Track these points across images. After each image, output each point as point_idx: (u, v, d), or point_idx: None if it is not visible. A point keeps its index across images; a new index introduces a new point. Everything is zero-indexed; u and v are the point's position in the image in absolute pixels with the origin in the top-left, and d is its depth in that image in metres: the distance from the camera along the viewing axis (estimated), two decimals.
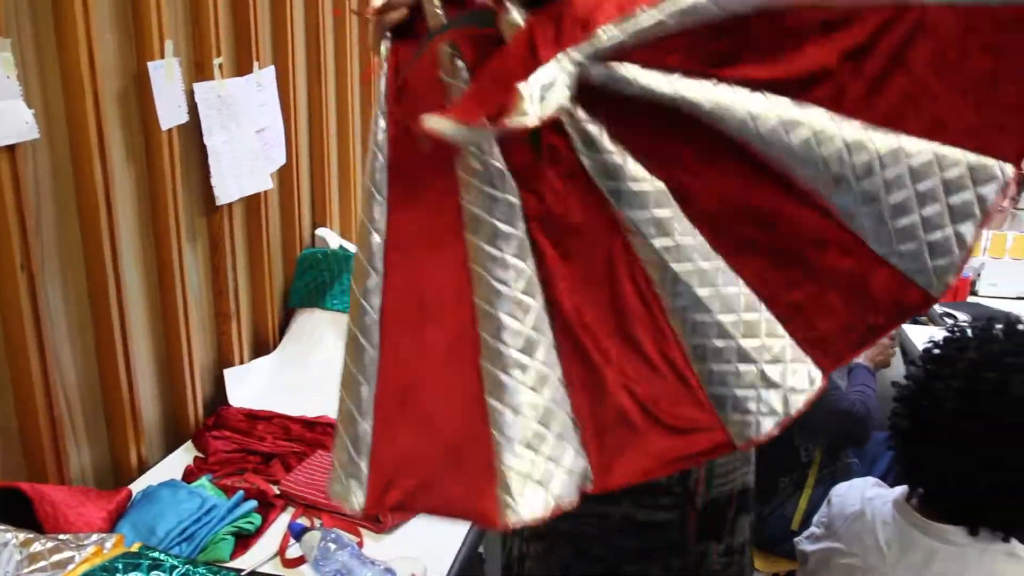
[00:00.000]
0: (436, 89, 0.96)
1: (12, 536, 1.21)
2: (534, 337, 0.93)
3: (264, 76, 2.26)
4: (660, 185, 0.93)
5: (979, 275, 3.37)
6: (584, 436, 0.95)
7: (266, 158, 2.27)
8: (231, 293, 2.14)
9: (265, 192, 2.26)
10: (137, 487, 1.67)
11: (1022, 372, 1.14)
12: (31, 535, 1.24)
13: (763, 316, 0.94)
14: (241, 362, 2.20)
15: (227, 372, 2.12)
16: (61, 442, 1.61)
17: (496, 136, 0.90)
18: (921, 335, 2.41)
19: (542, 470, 0.91)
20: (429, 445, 0.96)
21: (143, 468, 1.82)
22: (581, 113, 0.91)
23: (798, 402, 0.92)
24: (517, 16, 0.89)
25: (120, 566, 1.18)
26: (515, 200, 0.95)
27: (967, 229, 0.88)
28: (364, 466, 0.97)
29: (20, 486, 1.39)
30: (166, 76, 1.81)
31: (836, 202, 0.90)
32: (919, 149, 0.87)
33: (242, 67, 2.15)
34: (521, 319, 0.93)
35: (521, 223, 0.95)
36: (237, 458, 1.81)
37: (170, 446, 1.93)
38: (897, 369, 2.39)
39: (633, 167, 0.92)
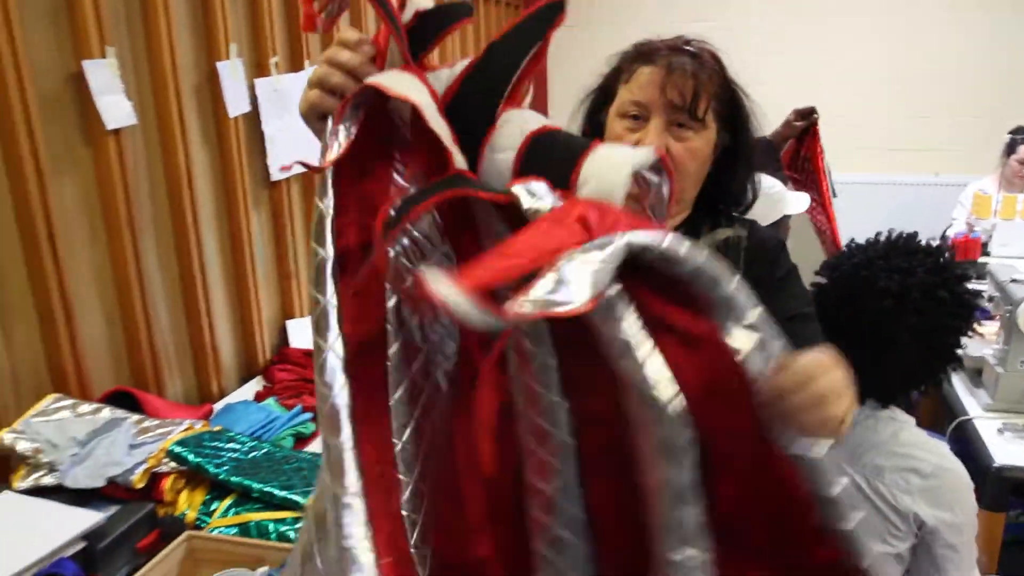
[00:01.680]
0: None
1: (129, 415, 1.60)
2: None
3: None
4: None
5: (991, 236, 3.52)
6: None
7: (312, 150, 2.64)
8: (290, 256, 2.53)
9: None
10: (218, 408, 2.06)
11: (885, 272, 1.42)
12: (142, 416, 1.63)
13: None
14: (301, 315, 2.59)
15: (289, 323, 2.51)
16: (160, 372, 2.01)
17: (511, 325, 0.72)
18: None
19: None
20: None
21: (222, 395, 2.21)
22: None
23: None
24: (543, 201, 0.73)
25: (206, 437, 1.56)
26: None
27: None
28: None
29: (131, 390, 1.79)
30: (232, 73, 2.20)
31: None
32: None
33: (294, 65, 2.54)
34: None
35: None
36: (297, 385, 2.18)
37: (243, 379, 2.33)
38: None
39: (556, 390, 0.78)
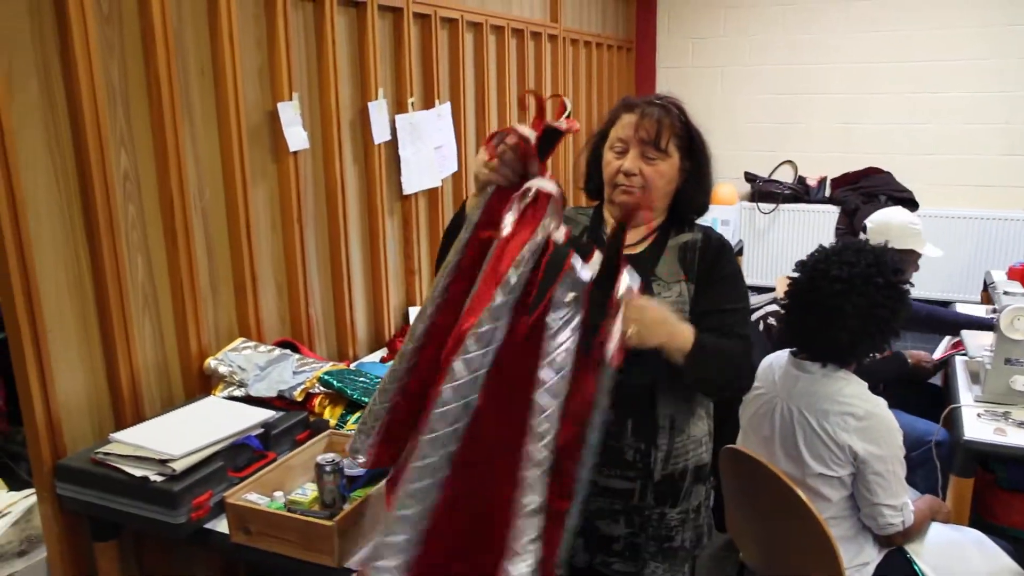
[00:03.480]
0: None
1: (293, 354, 2.26)
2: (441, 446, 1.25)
3: (443, 110, 3.28)
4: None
5: None
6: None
7: (440, 167, 3.28)
8: (415, 255, 3.17)
9: (440, 188, 3.27)
10: (353, 366, 2.69)
11: (837, 264, 1.87)
12: (301, 356, 2.28)
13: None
14: (419, 304, 3.21)
15: (411, 309, 3.15)
16: (312, 334, 2.67)
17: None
18: (982, 340, 2.80)
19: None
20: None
21: (355, 359, 2.85)
22: None
23: None
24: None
25: (347, 372, 2.18)
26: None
27: None
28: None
29: (293, 340, 2.45)
30: (378, 110, 2.87)
31: None
32: None
33: (427, 103, 3.19)
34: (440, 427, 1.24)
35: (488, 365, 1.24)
36: None
37: (372, 348, 2.97)
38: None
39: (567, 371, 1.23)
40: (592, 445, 1.25)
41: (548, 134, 1.29)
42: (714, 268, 1.60)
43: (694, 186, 1.64)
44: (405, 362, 1.37)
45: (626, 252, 1.48)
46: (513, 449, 1.24)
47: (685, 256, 1.61)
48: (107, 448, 1.81)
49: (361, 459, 1.43)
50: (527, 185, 1.27)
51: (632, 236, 1.64)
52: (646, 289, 1.54)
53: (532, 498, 1.21)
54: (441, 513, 1.27)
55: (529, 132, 1.29)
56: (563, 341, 1.22)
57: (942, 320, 3.10)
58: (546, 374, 1.22)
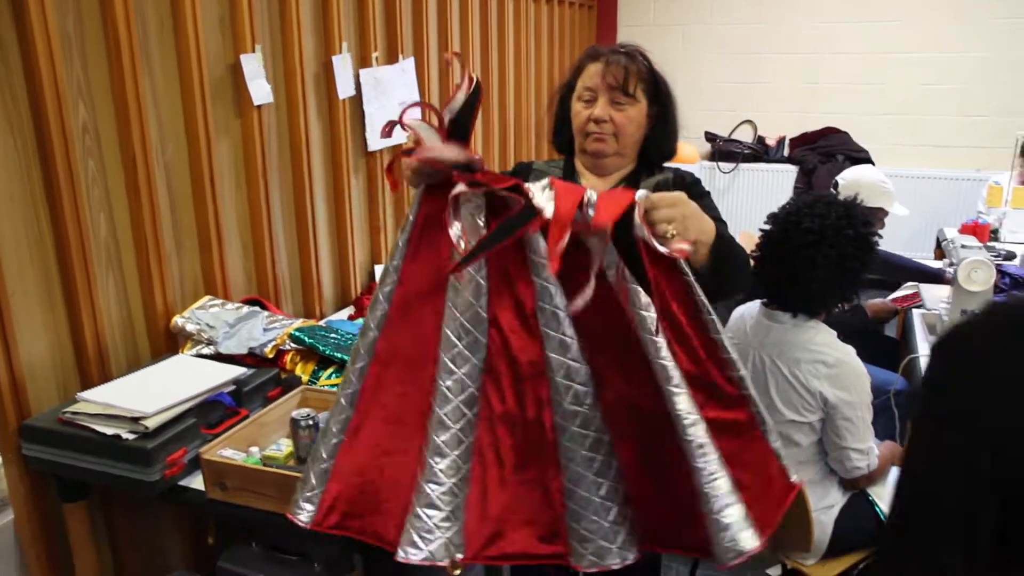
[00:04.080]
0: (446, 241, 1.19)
1: (263, 311, 2.23)
2: (460, 437, 1.23)
3: (407, 64, 3.23)
4: (588, 369, 1.21)
5: (1001, 223, 3.86)
6: (468, 521, 1.24)
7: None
8: (380, 212, 3.14)
9: (404, 144, 3.23)
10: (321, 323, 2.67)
11: (809, 216, 1.90)
12: (268, 313, 2.25)
13: (619, 491, 1.25)
14: (385, 261, 3.18)
15: (376, 266, 3.12)
16: (279, 292, 2.64)
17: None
18: (940, 293, 2.90)
19: (431, 533, 1.20)
20: (373, 484, 1.28)
21: (322, 317, 2.83)
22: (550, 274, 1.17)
23: (606, 562, 1.23)
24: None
25: (317, 328, 2.16)
26: (482, 339, 1.23)
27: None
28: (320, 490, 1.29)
29: (260, 298, 2.42)
30: (343, 65, 2.81)
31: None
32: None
33: (391, 58, 3.14)
34: (453, 422, 1.22)
35: (481, 353, 1.23)
36: None
37: (339, 306, 2.95)
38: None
39: (577, 350, 1.20)
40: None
41: (460, 114, 1.22)
42: (690, 194, 1.59)
43: (661, 131, 1.66)
44: (347, 410, 1.30)
45: None
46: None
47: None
48: (75, 407, 1.78)
49: (304, 517, 1.31)
50: (457, 190, 1.19)
51: (604, 184, 1.66)
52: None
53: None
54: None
55: (431, 134, 1.22)
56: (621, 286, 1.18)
57: (899, 265, 3.18)
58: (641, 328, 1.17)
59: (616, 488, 1.25)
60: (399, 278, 1.27)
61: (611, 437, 1.25)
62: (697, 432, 1.17)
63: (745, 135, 5.93)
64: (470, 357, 1.22)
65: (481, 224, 1.21)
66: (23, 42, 1.77)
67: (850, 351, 1.95)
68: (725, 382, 1.24)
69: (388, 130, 1.27)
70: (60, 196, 1.86)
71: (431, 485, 1.21)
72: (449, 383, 1.22)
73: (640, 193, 1.16)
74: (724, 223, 1.59)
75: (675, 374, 1.17)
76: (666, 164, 1.72)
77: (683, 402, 1.17)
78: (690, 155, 5.68)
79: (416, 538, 1.21)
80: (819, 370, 1.92)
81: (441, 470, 1.21)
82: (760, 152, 5.84)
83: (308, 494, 1.30)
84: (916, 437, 0.84)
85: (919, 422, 0.85)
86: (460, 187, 1.18)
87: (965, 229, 3.71)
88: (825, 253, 1.89)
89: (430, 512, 1.21)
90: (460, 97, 1.22)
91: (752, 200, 5.78)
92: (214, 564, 2.19)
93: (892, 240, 3.46)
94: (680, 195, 1.22)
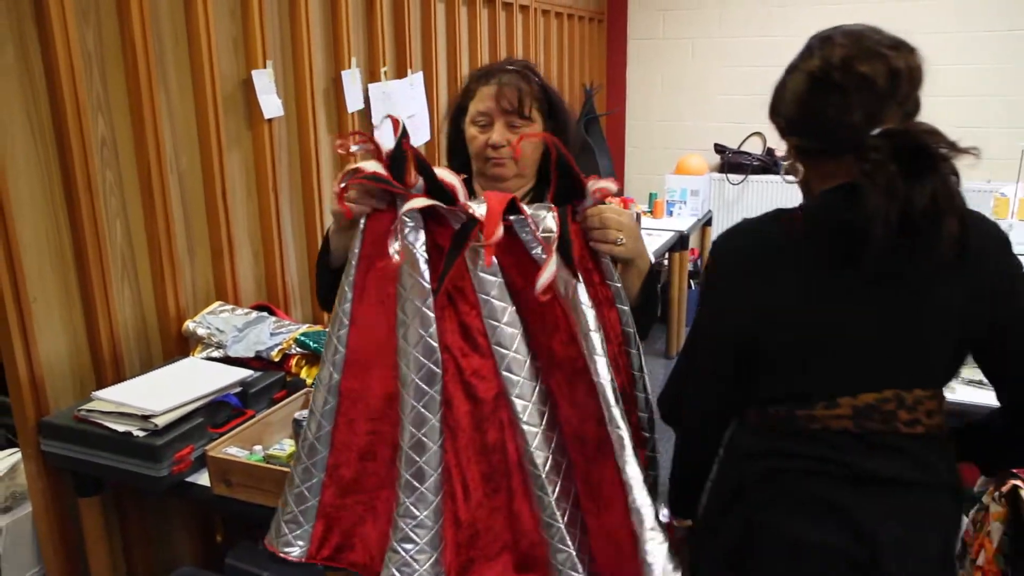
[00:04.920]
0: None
1: (270, 316, 2.32)
2: (427, 470, 1.25)
3: (415, 79, 3.33)
4: (543, 388, 1.26)
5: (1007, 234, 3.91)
6: (444, 551, 1.28)
7: (413, 136, 3.32)
8: None
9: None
10: None
11: None
12: (276, 318, 2.34)
13: (578, 518, 1.28)
14: None
15: None
16: (288, 298, 2.73)
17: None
18: None
19: (408, 566, 1.26)
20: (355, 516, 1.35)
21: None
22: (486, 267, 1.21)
23: None
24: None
25: (323, 333, 2.25)
26: (437, 369, 1.23)
27: None
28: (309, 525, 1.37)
29: (269, 304, 2.51)
30: (352, 80, 2.91)
31: None
32: None
33: (399, 73, 3.23)
34: (419, 455, 1.24)
35: (438, 384, 1.24)
36: None
37: None
38: None
39: (529, 367, 1.25)
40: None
41: (395, 158, 1.24)
42: None
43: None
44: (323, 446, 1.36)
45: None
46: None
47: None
48: (90, 405, 1.88)
49: (296, 552, 1.38)
50: (402, 215, 1.21)
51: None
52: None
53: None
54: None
55: (374, 167, 1.24)
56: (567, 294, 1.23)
57: None
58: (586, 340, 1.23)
59: (576, 515, 1.29)
60: (351, 319, 1.29)
61: (567, 463, 1.29)
62: (633, 462, 1.23)
63: (755, 147, 5.99)
64: (427, 389, 1.23)
65: (418, 247, 1.22)
66: (47, 58, 1.87)
67: None
68: (635, 419, 1.34)
69: (339, 145, 1.30)
70: (79, 204, 1.97)
71: (405, 520, 1.26)
72: (411, 417, 1.24)
73: (588, 202, 1.26)
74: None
75: (615, 396, 1.22)
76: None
77: (625, 429, 1.22)
78: (698, 167, 5.75)
79: (395, 572, 1.26)
80: None
81: (412, 504, 1.25)
82: (769, 164, 5.89)
83: (298, 531, 1.38)
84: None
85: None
86: (409, 204, 1.20)
87: None
88: None
89: (406, 546, 1.26)
90: (389, 140, 1.27)
91: (762, 212, 5.81)
92: (222, 561, 2.28)
93: None
94: (624, 209, 1.31)
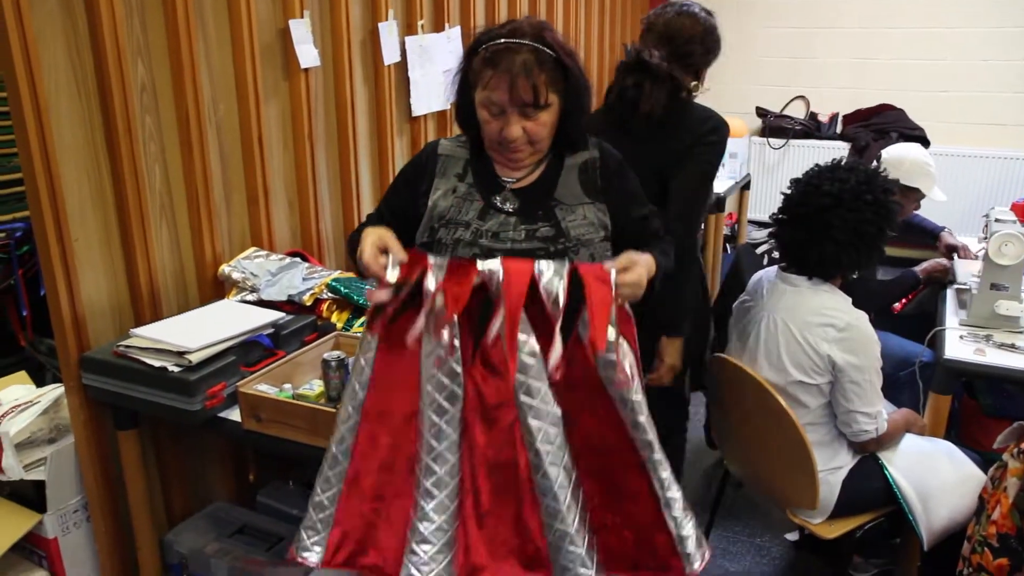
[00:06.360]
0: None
1: (303, 262, 2.37)
2: (446, 480, 1.40)
3: (452, 33, 3.32)
4: (558, 411, 1.39)
5: None
6: (457, 554, 1.42)
7: (449, 91, 3.31)
8: None
9: (448, 111, 3.34)
10: None
11: (829, 180, 1.95)
12: (308, 264, 2.39)
13: (587, 520, 1.45)
14: None
15: None
16: (322, 247, 2.78)
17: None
18: (971, 267, 2.86)
19: (427, 565, 1.40)
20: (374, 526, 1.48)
21: None
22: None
23: None
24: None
25: (353, 279, 2.29)
26: (459, 391, 1.38)
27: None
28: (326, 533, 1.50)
29: (302, 251, 2.56)
30: (388, 32, 2.92)
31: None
32: None
33: (437, 26, 3.23)
34: (439, 467, 1.40)
35: (459, 403, 1.38)
36: None
37: None
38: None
39: (546, 392, 1.37)
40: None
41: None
42: (622, 184, 1.61)
43: (577, 117, 1.54)
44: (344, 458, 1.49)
45: (520, 186, 1.56)
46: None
47: (586, 177, 1.57)
48: (128, 341, 1.95)
49: (314, 559, 1.50)
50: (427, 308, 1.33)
51: (519, 173, 1.57)
52: (550, 215, 1.53)
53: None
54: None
55: (386, 294, 1.34)
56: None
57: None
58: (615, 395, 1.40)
59: (584, 518, 1.44)
60: (379, 344, 1.43)
61: (577, 472, 1.43)
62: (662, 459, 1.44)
63: (797, 111, 5.88)
64: (448, 408, 1.38)
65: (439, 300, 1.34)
66: (89, 3, 1.91)
67: (861, 316, 1.99)
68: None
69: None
70: (119, 149, 2.02)
71: (424, 523, 1.41)
72: (432, 433, 1.39)
73: (612, 274, 1.33)
74: (654, 209, 1.67)
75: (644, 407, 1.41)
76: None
77: (651, 432, 1.42)
78: (738, 129, 5.67)
79: (414, 570, 1.41)
80: (828, 333, 1.97)
81: (431, 509, 1.40)
82: (812, 128, 5.79)
83: (315, 538, 1.51)
84: None
85: None
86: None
87: (1016, 208, 3.67)
88: (842, 216, 1.94)
89: (424, 547, 1.41)
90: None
91: None
92: (255, 499, 2.36)
93: (942, 219, 3.47)
94: (635, 259, 1.36)
